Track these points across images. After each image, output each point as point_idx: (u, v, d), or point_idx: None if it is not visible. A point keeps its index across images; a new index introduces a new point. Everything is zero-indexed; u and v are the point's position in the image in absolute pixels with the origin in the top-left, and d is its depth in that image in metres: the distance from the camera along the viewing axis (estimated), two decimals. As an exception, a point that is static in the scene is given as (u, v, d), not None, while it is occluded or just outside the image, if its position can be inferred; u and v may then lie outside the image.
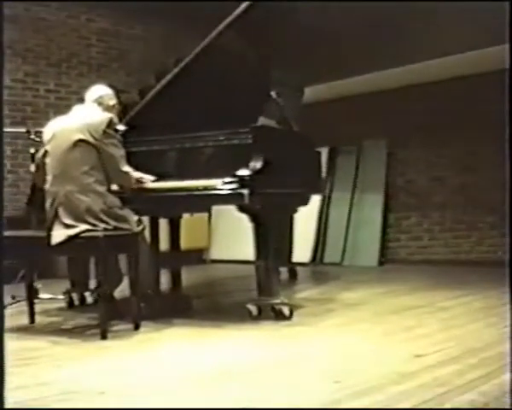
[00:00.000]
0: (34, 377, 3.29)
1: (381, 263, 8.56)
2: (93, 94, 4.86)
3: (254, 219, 4.78)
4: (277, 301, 4.76)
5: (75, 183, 4.41)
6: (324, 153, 8.98)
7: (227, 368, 3.41)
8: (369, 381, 3.04)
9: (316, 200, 8.54)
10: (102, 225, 4.34)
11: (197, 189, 4.61)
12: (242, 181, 4.43)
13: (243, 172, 4.47)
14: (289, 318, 4.71)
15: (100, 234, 4.24)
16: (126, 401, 2.83)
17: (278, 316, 4.71)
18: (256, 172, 4.52)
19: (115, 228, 4.40)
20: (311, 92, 7.99)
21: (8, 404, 2.39)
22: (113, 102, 4.90)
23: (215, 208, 8.14)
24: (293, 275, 7.38)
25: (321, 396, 2.82)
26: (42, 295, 5.59)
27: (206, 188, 4.58)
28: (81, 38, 8.95)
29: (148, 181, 4.76)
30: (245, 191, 4.41)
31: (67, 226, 4.33)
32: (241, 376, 3.26)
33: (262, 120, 5.37)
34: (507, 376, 2.94)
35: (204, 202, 4.77)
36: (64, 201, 4.41)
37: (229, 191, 4.45)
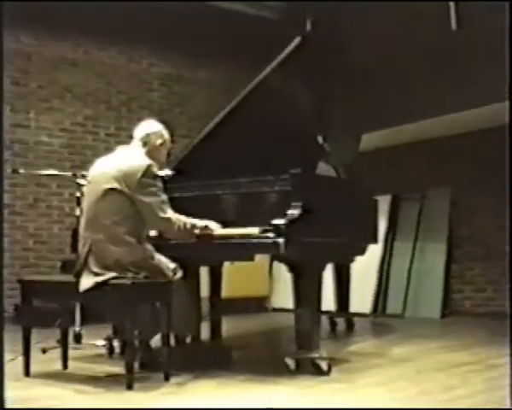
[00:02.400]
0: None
1: (443, 315, 8.25)
2: (140, 132, 4.69)
3: (292, 268, 4.63)
4: (316, 355, 4.56)
5: (104, 232, 4.30)
6: (387, 201, 8.78)
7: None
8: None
9: (377, 248, 8.31)
10: (131, 275, 4.23)
11: (233, 237, 4.48)
12: (278, 230, 4.28)
13: (279, 220, 4.32)
14: (327, 373, 4.51)
15: (128, 281, 4.13)
16: None
17: (317, 371, 4.51)
18: (293, 221, 4.36)
19: (146, 278, 4.29)
20: (374, 138, 7.84)
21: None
22: (160, 140, 4.68)
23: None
24: (349, 326, 7.17)
25: None
26: (84, 342, 5.55)
27: (242, 236, 4.45)
28: (142, 83, 9.05)
29: (216, 228, 4.58)
30: (280, 241, 4.26)
31: (96, 274, 4.23)
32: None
33: (320, 166, 5.24)
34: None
35: (240, 251, 4.58)
36: (93, 249, 4.31)
37: (264, 240, 4.31)
